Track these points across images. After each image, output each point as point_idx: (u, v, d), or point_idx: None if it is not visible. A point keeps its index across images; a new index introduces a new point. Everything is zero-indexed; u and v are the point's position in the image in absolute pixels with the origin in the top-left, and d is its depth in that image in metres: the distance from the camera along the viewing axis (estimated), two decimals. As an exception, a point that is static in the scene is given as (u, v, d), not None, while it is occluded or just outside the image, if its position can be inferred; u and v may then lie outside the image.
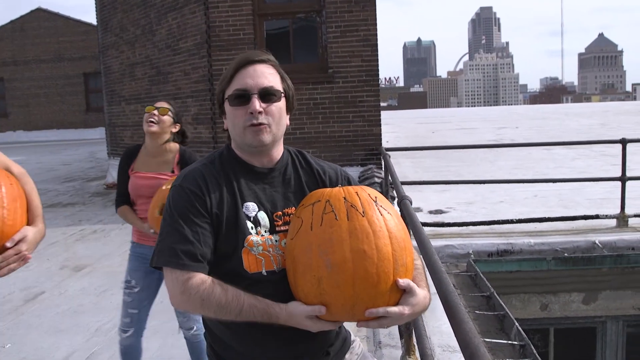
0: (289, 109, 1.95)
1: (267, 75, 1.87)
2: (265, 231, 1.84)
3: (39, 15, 31.35)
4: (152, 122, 3.65)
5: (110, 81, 13.82)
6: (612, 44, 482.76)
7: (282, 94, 1.89)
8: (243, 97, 1.84)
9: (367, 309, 1.64)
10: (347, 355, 1.99)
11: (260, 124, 1.83)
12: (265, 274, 1.80)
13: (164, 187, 3.49)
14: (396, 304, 1.68)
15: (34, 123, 31.33)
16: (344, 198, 1.72)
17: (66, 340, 4.97)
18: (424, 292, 1.75)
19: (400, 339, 4.09)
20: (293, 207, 1.89)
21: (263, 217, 1.85)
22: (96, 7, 14.20)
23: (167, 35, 11.24)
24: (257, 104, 1.82)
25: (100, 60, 14.56)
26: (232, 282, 1.74)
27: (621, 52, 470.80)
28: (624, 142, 7.66)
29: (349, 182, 2.01)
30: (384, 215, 1.70)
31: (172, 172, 3.71)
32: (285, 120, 1.93)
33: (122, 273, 6.67)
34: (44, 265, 7.21)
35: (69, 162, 19.06)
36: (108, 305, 5.70)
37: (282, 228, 1.86)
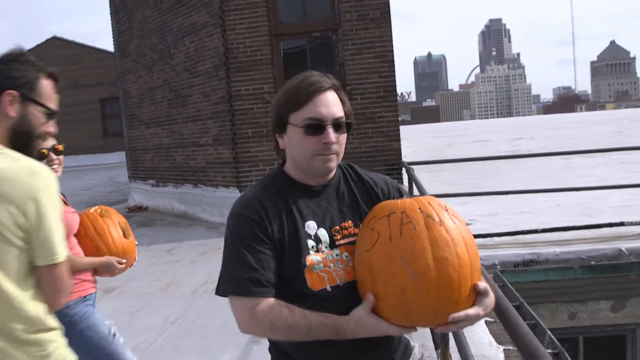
0: (348, 131, 1.98)
1: (337, 103, 1.90)
2: (326, 247, 1.86)
3: (55, 43, 31.81)
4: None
5: (130, 106, 13.99)
6: (624, 51, 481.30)
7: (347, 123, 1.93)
8: (317, 127, 1.85)
9: (450, 314, 1.69)
10: None
11: (332, 153, 1.87)
12: (329, 289, 1.83)
13: (92, 210, 3.52)
14: (471, 305, 1.73)
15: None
16: (419, 209, 1.75)
17: (102, 362, 5.02)
18: (491, 291, 1.81)
19: (436, 350, 4.11)
20: (350, 221, 1.93)
21: (323, 234, 1.88)
22: (113, 34, 14.42)
23: (185, 58, 11.39)
24: (333, 136, 1.85)
25: (118, 85, 14.76)
26: (298, 301, 1.78)
27: (634, 58, 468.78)
28: (644, 148, 7.66)
29: (399, 192, 2.05)
30: (456, 223, 1.75)
31: None
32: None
33: (152, 294, 6.81)
34: (74, 289, 7.29)
35: (90, 187, 19.24)
36: (142, 325, 5.77)
37: (342, 242, 1.89)
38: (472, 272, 1.71)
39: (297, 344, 1.84)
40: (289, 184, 1.92)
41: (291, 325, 1.74)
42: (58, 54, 31.36)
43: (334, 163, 1.90)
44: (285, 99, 1.91)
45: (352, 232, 1.91)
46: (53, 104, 2.14)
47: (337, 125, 1.87)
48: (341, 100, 1.94)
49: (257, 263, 1.77)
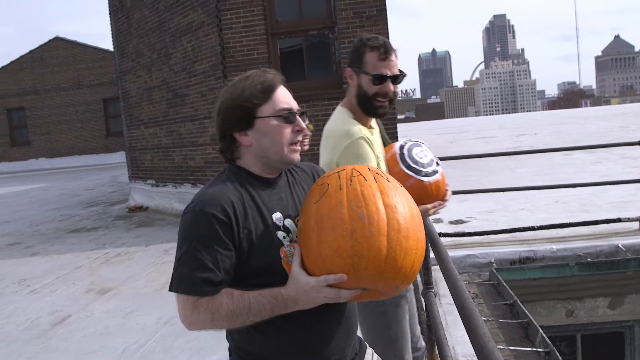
0: None
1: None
2: (295, 236, 1.86)
3: (57, 44, 31.93)
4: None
5: (129, 105, 14.01)
6: (629, 45, 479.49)
7: None
8: (292, 116, 1.89)
9: (399, 263, 1.67)
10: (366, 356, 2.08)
11: (301, 142, 1.93)
12: None
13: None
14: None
15: (56, 150, 31.83)
16: (368, 168, 1.83)
17: (94, 363, 5.03)
18: None
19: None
20: None
21: (290, 223, 1.87)
22: (112, 34, 14.44)
23: (183, 58, 11.39)
24: (304, 123, 1.92)
25: (118, 85, 14.78)
26: None
27: (638, 53, 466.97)
28: (642, 144, 7.61)
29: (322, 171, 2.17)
30: (404, 190, 1.83)
31: None
32: None
33: (146, 295, 6.80)
34: (70, 289, 7.31)
35: (92, 187, 19.29)
36: (134, 326, 5.77)
37: None
38: (422, 229, 1.76)
39: (260, 334, 1.84)
40: (250, 177, 1.91)
41: (231, 310, 1.72)
42: (60, 54, 31.50)
43: (300, 154, 1.95)
44: (250, 94, 1.89)
45: None
46: (379, 70, 2.71)
47: (302, 114, 1.93)
48: None
49: (214, 264, 1.73)
